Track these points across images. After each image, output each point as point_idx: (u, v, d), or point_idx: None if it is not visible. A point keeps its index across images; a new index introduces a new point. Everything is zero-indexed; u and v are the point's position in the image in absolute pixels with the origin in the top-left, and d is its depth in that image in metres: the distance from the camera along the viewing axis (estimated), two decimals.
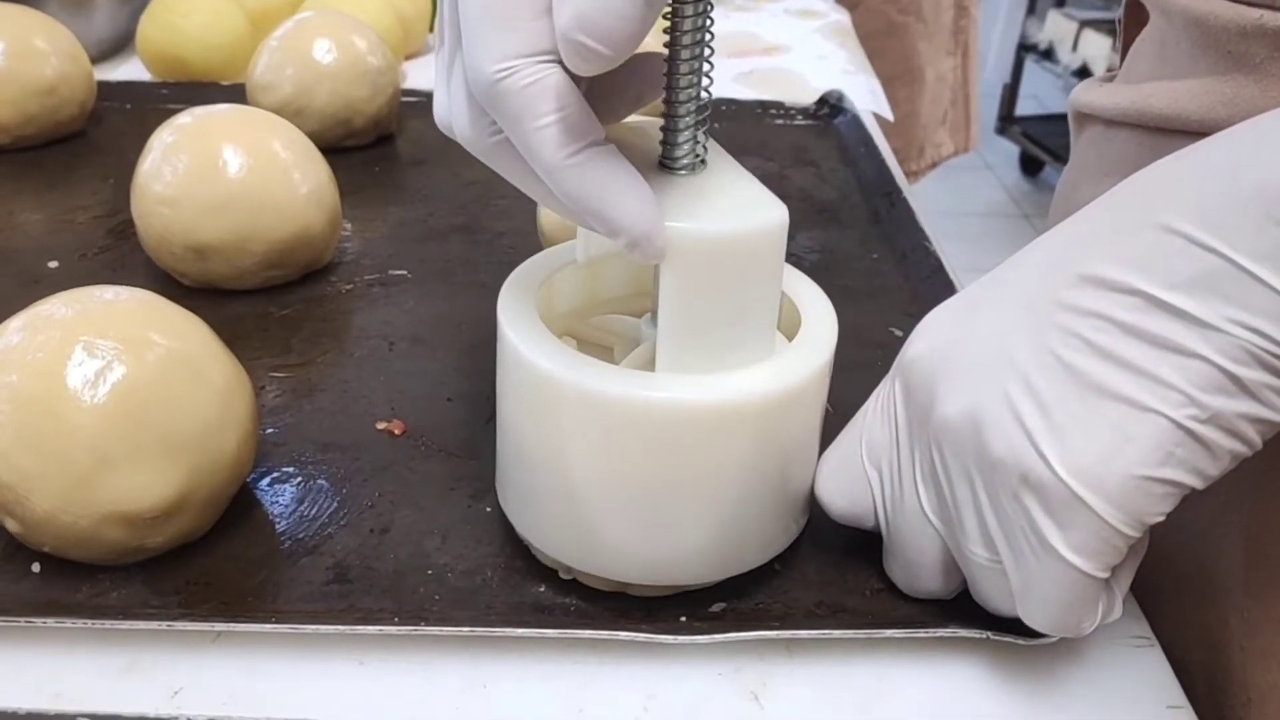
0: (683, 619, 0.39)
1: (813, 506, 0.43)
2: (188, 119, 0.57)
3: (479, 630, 0.37)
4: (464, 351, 0.54)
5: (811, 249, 0.66)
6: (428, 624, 0.37)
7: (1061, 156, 2.98)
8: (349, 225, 0.66)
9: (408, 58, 0.99)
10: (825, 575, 0.41)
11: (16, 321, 0.39)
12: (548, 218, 0.58)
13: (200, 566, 0.41)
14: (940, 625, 0.38)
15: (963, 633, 0.38)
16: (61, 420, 0.37)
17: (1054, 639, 0.37)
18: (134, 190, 0.57)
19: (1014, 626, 0.37)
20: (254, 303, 0.57)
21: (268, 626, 0.37)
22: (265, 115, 0.59)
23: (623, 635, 0.37)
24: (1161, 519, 0.32)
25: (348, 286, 0.60)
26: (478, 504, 0.44)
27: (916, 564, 0.38)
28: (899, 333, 0.57)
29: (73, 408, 0.37)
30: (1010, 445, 0.32)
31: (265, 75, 0.74)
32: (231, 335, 0.54)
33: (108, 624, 0.37)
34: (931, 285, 0.60)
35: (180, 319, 0.42)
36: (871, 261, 0.65)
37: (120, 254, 0.62)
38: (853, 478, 0.39)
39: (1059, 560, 0.32)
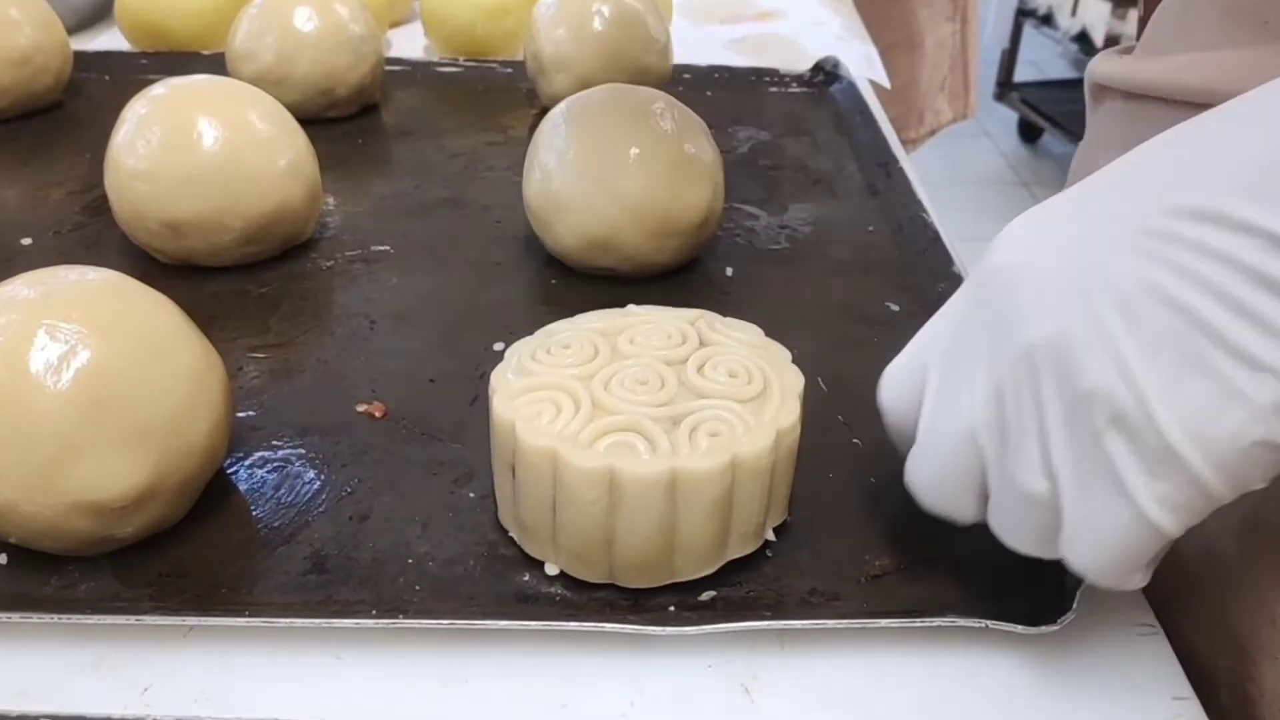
0: (671, 609, 0.38)
1: (800, 490, 0.41)
2: (162, 90, 0.55)
3: (459, 623, 0.36)
4: (448, 330, 0.53)
5: (806, 221, 0.65)
6: (406, 616, 0.36)
7: (1061, 124, 2.95)
8: (331, 199, 0.64)
9: (392, 26, 0.97)
10: (818, 561, 0.40)
11: None
12: (534, 191, 0.56)
13: (173, 557, 0.39)
14: (937, 614, 0.37)
15: (960, 622, 0.36)
16: (24, 406, 0.36)
17: (1056, 628, 0.35)
18: (107, 164, 0.55)
19: (1012, 614, 0.36)
20: (232, 280, 0.56)
21: (241, 620, 0.36)
22: (242, 86, 0.57)
23: (609, 627, 0.36)
24: (1262, 485, 0.29)
25: (328, 263, 0.58)
26: (460, 490, 0.43)
27: (946, 482, 0.36)
28: (895, 307, 0.56)
29: (35, 394, 0.36)
30: (1104, 380, 0.30)
31: (245, 44, 0.73)
32: (208, 315, 0.52)
33: (75, 619, 0.36)
34: (929, 257, 0.59)
35: (149, 300, 0.40)
36: (867, 235, 0.63)
37: (96, 230, 0.60)
38: (910, 381, 0.37)
39: (1134, 510, 0.30)
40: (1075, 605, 0.36)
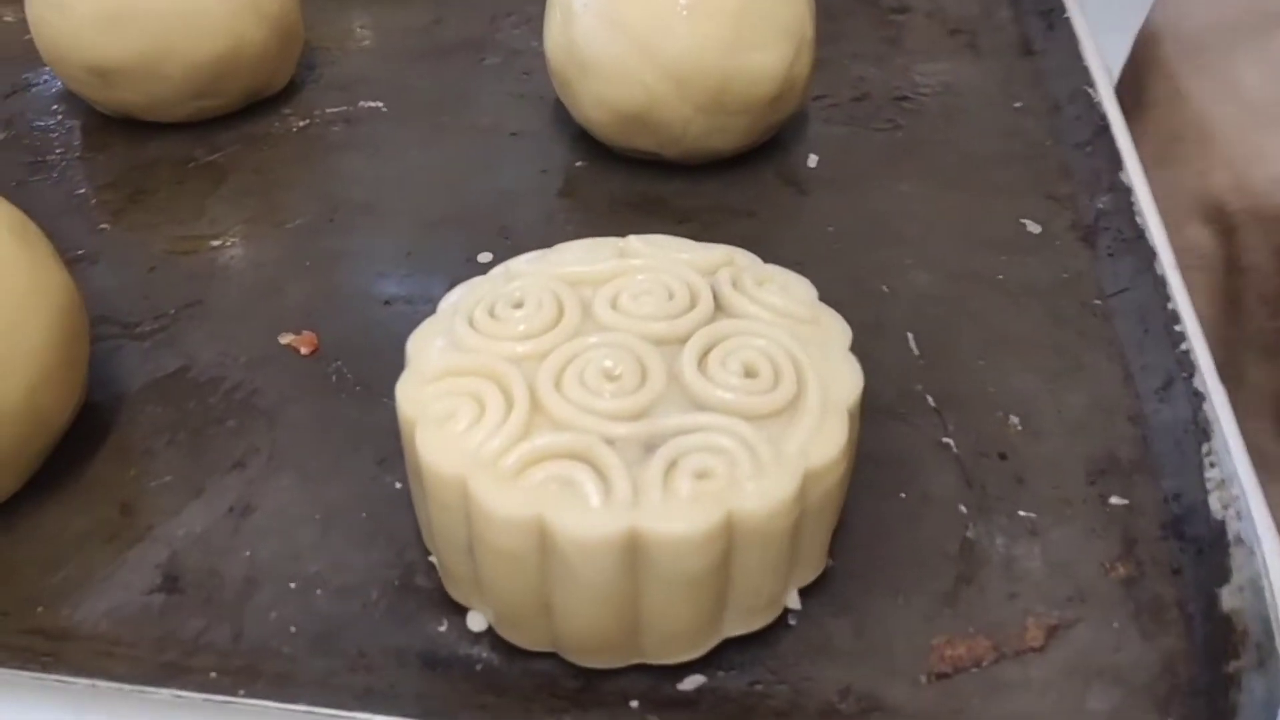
0: (634, 704, 0.26)
1: (851, 517, 0.29)
2: None
3: (319, 711, 0.25)
4: (426, 229, 0.40)
5: (932, 89, 0.49)
6: (253, 691, 0.25)
7: None
8: (325, 33, 0.51)
9: None
10: (862, 641, 0.27)
11: None
12: (554, 43, 0.42)
13: None
14: None
15: None
16: None
17: None
18: None
19: None
20: (178, 142, 0.44)
21: (27, 675, 0.26)
22: None
23: None
24: None
25: (302, 122, 0.46)
26: (384, 476, 0.31)
27: None
28: (1034, 228, 0.41)
29: None
30: None
31: None
32: (135, 189, 0.42)
33: None
34: (1091, 156, 0.43)
35: None
36: (1011, 114, 0.47)
37: (44, 80, 0.49)
38: None
39: None
40: None
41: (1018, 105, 0.48)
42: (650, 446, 0.24)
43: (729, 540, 0.24)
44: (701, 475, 0.24)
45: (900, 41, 0.53)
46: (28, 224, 0.31)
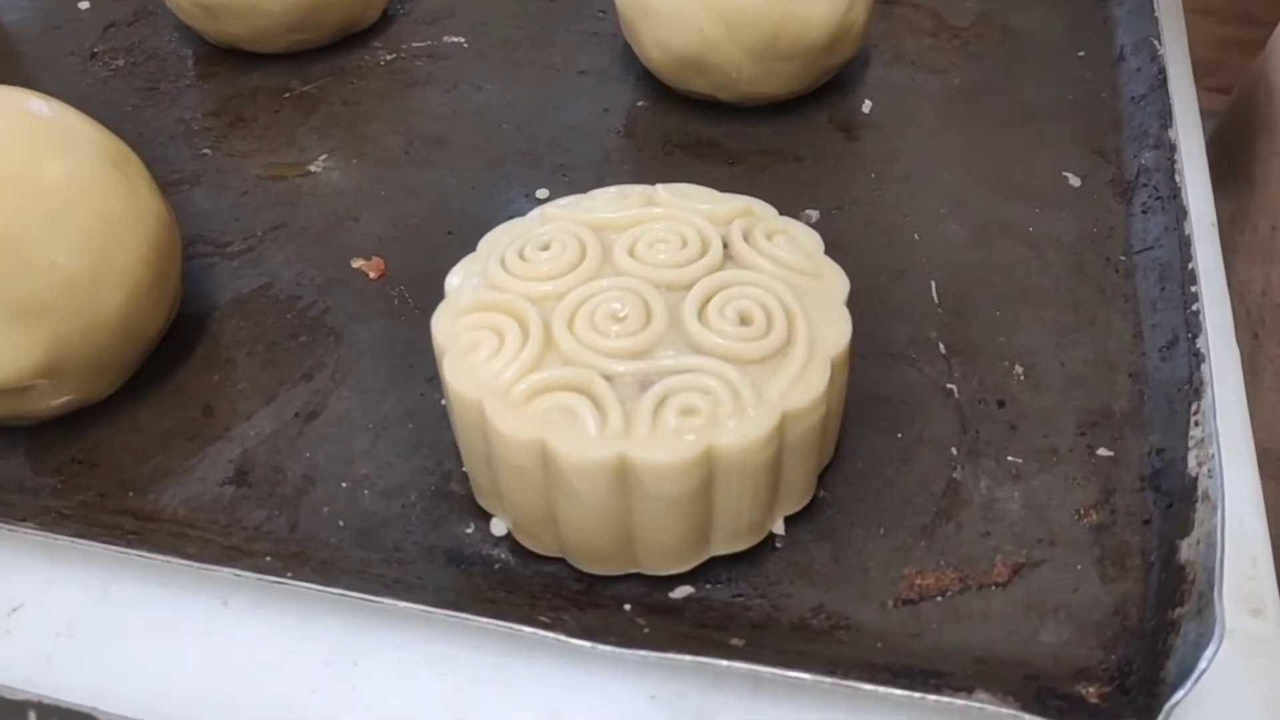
0: (627, 607, 0.29)
1: (847, 449, 0.31)
2: None
3: (352, 594, 0.29)
4: (493, 163, 0.43)
5: (995, 35, 0.49)
6: (299, 575, 0.29)
7: None
8: None
9: None
10: (839, 565, 0.30)
11: None
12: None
13: (92, 439, 0.34)
14: (965, 689, 0.27)
15: (990, 708, 0.26)
16: None
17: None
18: None
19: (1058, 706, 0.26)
20: (276, 72, 0.48)
21: (115, 550, 0.30)
22: None
23: (526, 630, 0.28)
24: None
25: (389, 56, 0.49)
26: (432, 393, 0.35)
27: None
28: (1075, 180, 0.42)
29: None
30: None
31: None
32: (235, 118, 0.46)
33: None
34: (1143, 109, 0.43)
35: (56, 137, 0.33)
36: (1075, 63, 0.48)
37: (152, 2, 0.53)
38: None
39: None
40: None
41: (1081, 54, 0.48)
42: (645, 384, 0.27)
43: (709, 470, 0.27)
44: (687, 412, 0.27)
45: None
46: (129, 155, 0.35)
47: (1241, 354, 0.35)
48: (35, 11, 0.53)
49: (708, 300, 0.29)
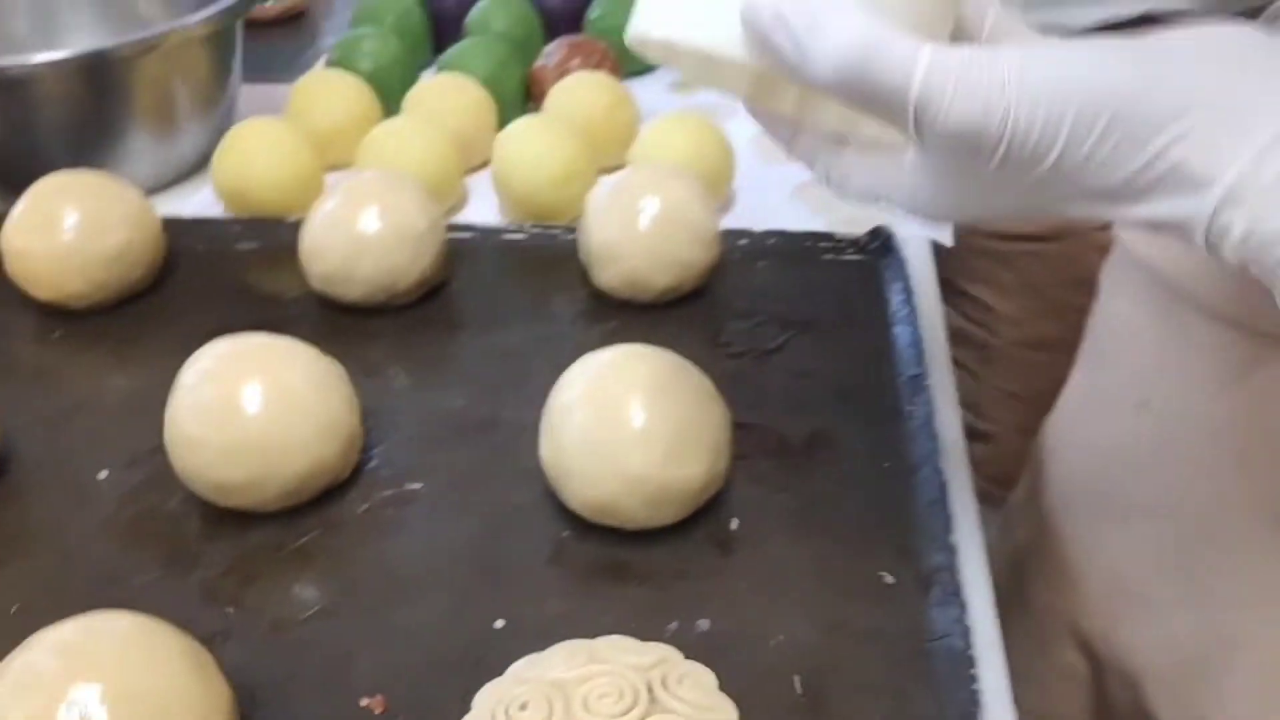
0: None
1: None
2: (211, 359, 0.61)
3: None
4: (457, 598, 0.56)
5: (822, 456, 0.65)
6: None
7: None
8: (376, 422, 0.68)
9: (473, 170, 1.00)
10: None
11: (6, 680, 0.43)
12: (547, 451, 0.59)
13: None
14: None
15: None
16: None
17: None
18: (166, 424, 0.61)
19: None
20: (271, 532, 0.60)
21: None
22: (288, 344, 0.62)
23: None
24: None
25: (364, 506, 0.63)
26: None
27: None
28: (890, 579, 0.57)
29: None
30: None
31: (313, 245, 0.78)
32: (244, 576, 0.58)
33: None
34: (927, 519, 0.59)
35: (169, 651, 0.45)
36: (879, 474, 0.64)
37: (167, 462, 0.66)
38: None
39: None
40: None
41: (885, 465, 0.65)
42: None
43: None
44: None
45: (803, 405, 0.70)
46: (201, 653, 0.47)
47: None
48: None
49: None
